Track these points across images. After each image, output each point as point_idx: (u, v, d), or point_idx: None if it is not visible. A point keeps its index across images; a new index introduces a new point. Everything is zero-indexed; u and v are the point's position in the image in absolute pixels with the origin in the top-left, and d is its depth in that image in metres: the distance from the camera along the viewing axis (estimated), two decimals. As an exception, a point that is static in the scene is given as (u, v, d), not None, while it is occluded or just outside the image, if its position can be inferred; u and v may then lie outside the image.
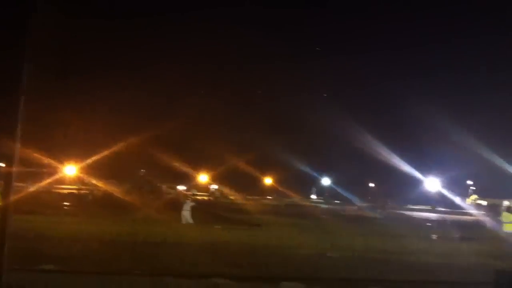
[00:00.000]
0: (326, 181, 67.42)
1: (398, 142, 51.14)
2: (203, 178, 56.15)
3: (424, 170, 50.60)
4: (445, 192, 52.20)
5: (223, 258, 14.41)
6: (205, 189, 61.91)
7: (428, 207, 52.53)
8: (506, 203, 41.73)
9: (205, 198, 55.12)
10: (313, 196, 70.04)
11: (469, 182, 58.41)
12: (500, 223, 24.30)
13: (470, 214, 45.37)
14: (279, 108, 51.32)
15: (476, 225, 33.88)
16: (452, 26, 75.83)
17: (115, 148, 40.70)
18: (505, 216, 23.99)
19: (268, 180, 65.92)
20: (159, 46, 57.93)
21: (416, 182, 51.76)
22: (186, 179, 53.83)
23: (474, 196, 56.28)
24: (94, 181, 42.35)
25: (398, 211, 45.80)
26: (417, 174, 49.87)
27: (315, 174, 64.11)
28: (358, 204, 54.76)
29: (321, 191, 71.13)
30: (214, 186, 62.88)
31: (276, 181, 64.72)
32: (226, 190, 56.90)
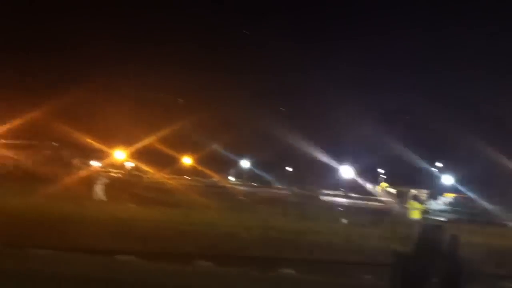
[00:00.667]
0: (245, 163, 67.93)
1: (316, 131, 52.47)
2: (119, 155, 54.34)
3: (339, 158, 52.41)
4: (358, 179, 54.38)
5: (134, 235, 14.15)
6: (120, 166, 60.30)
7: (341, 193, 54.44)
8: (413, 191, 44.21)
9: (121, 175, 53.82)
10: (232, 178, 70.57)
11: (380, 170, 61.11)
12: (406, 209, 25.60)
13: (380, 201, 47.65)
14: (197, 88, 50.59)
15: (385, 211, 35.56)
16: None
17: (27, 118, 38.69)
18: (411, 203, 25.36)
19: (187, 160, 65.29)
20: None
21: (331, 169, 53.60)
22: (100, 155, 51.96)
23: (384, 184, 59.04)
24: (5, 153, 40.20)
25: (312, 195, 47.00)
26: (332, 161, 51.65)
27: (234, 156, 64.39)
28: (275, 187, 55.80)
29: (240, 173, 71.65)
30: (130, 164, 61.41)
31: (196, 161, 64.34)
32: (142, 168, 55.79)
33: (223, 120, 54.14)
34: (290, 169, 68.76)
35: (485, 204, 43.35)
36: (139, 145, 48.88)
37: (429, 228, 8.81)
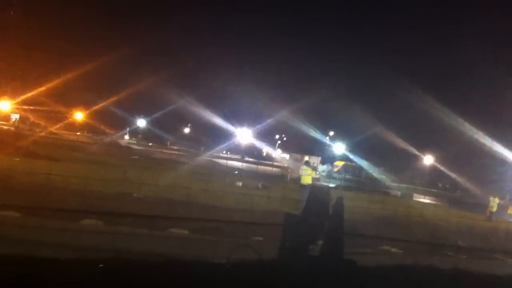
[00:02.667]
0: (141, 122, 66.33)
1: (216, 95, 52.46)
2: (3, 106, 50.47)
3: (238, 122, 52.89)
4: (256, 144, 55.34)
5: (16, 190, 13.29)
6: (4, 118, 56.28)
7: (238, 157, 55.15)
8: (305, 158, 45.92)
9: (5, 127, 50.29)
10: (127, 137, 68.66)
11: (277, 136, 62.82)
12: (299, 175, 26.45)
13: (275, 165, 49.02)
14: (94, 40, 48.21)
15: (279, 176, 36.63)
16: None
17: None
18: (304, 169, 26.25)
19: (79, 116, 62.45)
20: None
21: (229, 133, 53.95)
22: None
23: (279, 150, 60.82)
24: None
25: (209, 158, 47.23)
26: (230, 125, 51.96)
27: (130, 114, 62.66)
28: (171, 148, 55.16)
29: (136, 132, 69.95)
30: (16, 116, 57.48)
31: (89, 118, 61.74)
32: (31, 121, 52.51)
33: (118, 77, 52.29)
34: (187, 131, 68.37)
35: (372, 172, 46.23)
36: (28, 96, 45.79)
37: (317, 191, 9.10)
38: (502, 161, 46.47)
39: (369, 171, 46.64)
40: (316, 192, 9.10)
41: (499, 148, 46.23)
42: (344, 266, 7.94)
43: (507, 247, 17.92)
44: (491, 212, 30.80)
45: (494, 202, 31.48)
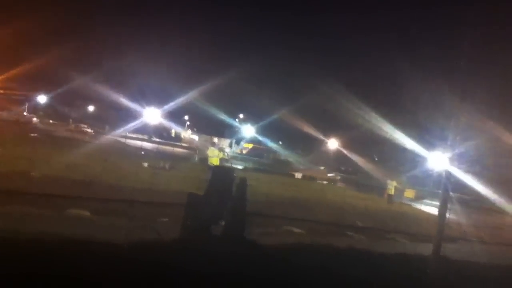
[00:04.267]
0: (42, 98, 62.66)
1: (122, 75, 50.72)
2: None
3: (145, 102, 51.48)
4: (164, 125, 54.26)
5: None
6: None
7: (145, 137, 53.91)
8: (214, 139, 46.02)
9: None
10: (25, 113, 64.67)
11: (186, 117, 62.09)
12: (207, 156, 26.36)
13: (183, 146, 48.57)
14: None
15: (186, 157, 36.33)
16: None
17: None
18: (211, 151, 26.22)
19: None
20: None
21: (136, 113, 52.37)
22: None
23: (188, 131, 60.18)
24: None
25: (114, 138, 45.74)
26: (137, 105, 50.48)
27: (30, 90, 59.03)
28: (75, 126, 52.77)
29: (37, 108, 66.03)
30: None
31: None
32: None
33: (17, 51, 49.05)
34: (92, 109, 65.71)
35: (280, 155, 47.20)
36: None
37: (220, 172, 9.13)
38: (401, 147, 49.24)
39: (278, 153, 47.59)
40: (219, 172, 9.11)
41: (398, 134, 48.87)
42: (245, 245, 8.07)
43: (401, 228, 19.06)
44: (390, 195, 32.50)
45: (392, 185, 33.25)
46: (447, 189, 9.58)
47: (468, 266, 9.54)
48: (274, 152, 47.69)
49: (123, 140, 46.04)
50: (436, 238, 8.11)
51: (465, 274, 8.50)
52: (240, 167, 36.14)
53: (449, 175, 11.28)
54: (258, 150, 43.14)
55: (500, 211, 39.32)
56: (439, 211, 9.06)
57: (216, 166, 16.21)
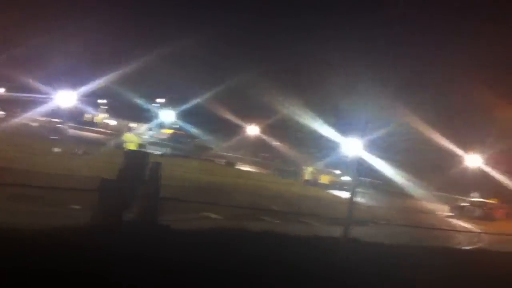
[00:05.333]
0: None
1: (30, 55, 47.83)
2: None
3: (58, 85, 49.00)
4: (77, 108, 52.05)
5: None
6: None
7: (56, 121, 51.43)
8: (131, 124, 44.95)
9: None
10: None
11: (101, 101, 59.67)
12: (123, 141, 25.71)
13: (98, 131, 46.98)
14: None
15: (101, 142, 35.22)
16: None
17: None
18: (127, 136, 25.65)
19: None
20: None
21: (47, 96, 49.75)
22: None
23: (103, 115, 58.08)
24: None
25: (24, 122, 43.34)
26: (48, 88, 47.96)
27: None
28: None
29: None
30: None
31: None
32: None
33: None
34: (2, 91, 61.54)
35: (202, 141, 47.00)
36: None
37: (132, 156, 8.90)
38: (318, 133, 50.69)
39: (199, 139, 47.35)
40: (131, 157, 8.86)
41: (315, 121, 50.29)
42: (158, 230, 7.94)
43: (315, 212, 19.63)
44: (306, 180, 33.44)
45: (308, 171, 34.23)
46: (359, 173, 9.96)
47: (375, 246, 10.00)
48: (195, 137, 47.36)
49: (33, 124, 43.81)
50: (346, 220, 8.41)
51: (372, 254, 8.91)
52: (159, 152, 35.57)
53: (361, 160, 11.76)
54: (178, 136, 42.52)
55: (409, 195, 41.74)
56: (349, 195, 9.40)
57: (129, 150, 15.77)
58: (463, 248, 16.17)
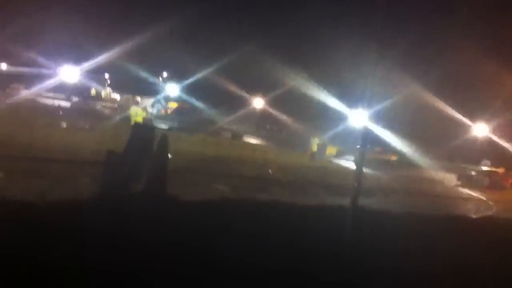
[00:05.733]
0: None
1: (33, 29, 47.45)
2: None
3: (62, 59, 48.83)
4: (84, 83, 51.97)
5: None
6: None
7: (63, 96, 51.41)
8: (137, 98, 44.87)
9: None
10: None
11: (106, 75, 59.29)
12: (129, 115, 25.71)
13: (104, 106, 46.87)
14: None
15: (108, 116, 35.25)
16: None
17: None
18: (133, 110, 25.60)
19: None
20: None
21: (52, 71, 49.64)
22: None
23: (109, 90, 57.62)
24: None
25: (30, 97, 43.34)
26: (52, 62, 47.80)
27: None
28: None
29: None
30: None
31: None
32: None
33: None
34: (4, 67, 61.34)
35: (207, 114, 46.90)
36: None
37: (139, 129, 8.88)
38: (324, 105, 50.48)
39: (204, 112, 47.23)
40: (138, 130, 8.86)
41: (321, 93, 50.01)
42: (166, 202, 7.96)
43: (323, 182, 19.66)
44: (312, 152, 33.33)
45: (315, 143, 34.10)
46: (365, 144, 9.93)
47: (382, 214, 10.04)
48: (200, 111, 47.20)
49: (40, 99, 43.85)
50: (354, 190, 8.41)
51: (379, 222, 8.94)
52: (164, 126, 35.56)
53: (367, 130, 11.69)
54: (183, 109, 42.44)
55: (416, 165, 41.67)
56: (356, 165, 9.39)
57: (136, 124, 15.81)
58: (471, 216, 16.20)
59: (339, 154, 39.44)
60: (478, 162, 39.03)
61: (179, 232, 6.50)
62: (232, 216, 8.13)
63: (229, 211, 8.57)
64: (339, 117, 49.78)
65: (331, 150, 41.68)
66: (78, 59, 47.27)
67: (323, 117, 49.57)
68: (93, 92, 53.24)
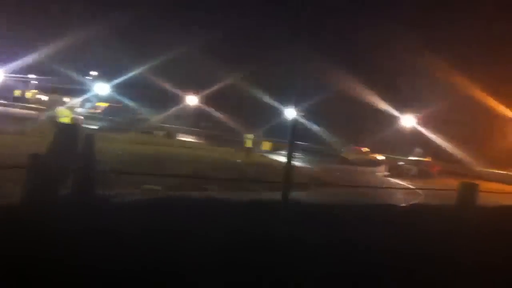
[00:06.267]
0: None
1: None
2: None
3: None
4: (7, 84, 49.66)
5: None
6: None
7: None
8: (64, 99, 43.25)
9: None
10: None
11: (32, 76, 56.93)
12: (56, 116, 24.78)
13: (29, 107, 44.91)
14: None
15: (33, 118, 33.81)
16: None
17: None
18: (61, 111, 24.71)
19: None
20: None
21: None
22: None
23: (35, 91, 55.36)
24: None
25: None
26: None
27: None
28: None
29: None
30: None
31: None
32: None
33: None
34: None
35: (139, 113, 46.05)
36: None
37: (64, 129, 8.56)
38: (259, 102, 50.95)
39: (137, 112, 46.39)
40: (62, 130, 8.53)
41: (256, 90, 50.53)
42: (94, 203, 7.71)
43: (258, 178, 19.79)
44: (247, 148, 33.52)
45: (249, 138, 34.30)
46: (293, 137, 10.08)
47: (316, 207, 10.19)
48: (132, 110, 46.25)
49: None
50: (284, 183, 8.50)
51: (313, 214, 9.08)
52: (94, 126, 34.62)
53: (296, 124, 11.95)
54: (114, 109, 41.38)
55: (342, 157, 42.90)
56: (287, 158, 9.50)
57: (60, 124, 15.24)
58: (400, 205, 16.81)
59: (274, 149, 39.92)
60: (407, 153, 40.68)
61: (107, 234, 6.30)
62: (164, 215, 7.98)
63: (162, 210, 8.41)
64: (273, 113, 50.42)
65: (266, 146, 42.16)
66: (1, 61, 45.02)
67: (257, 113, 49.99)
68: (17, 93, 50.87)
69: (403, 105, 48.09)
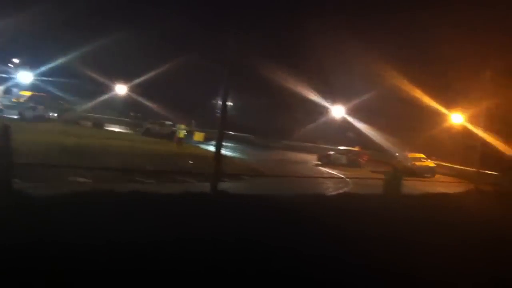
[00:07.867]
0: None
1: None
2: None
3: None
4: None
5: None
6: None
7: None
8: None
9: None
10: None
11: None
12: None
13: None
14: None
15: None
16: None
17: None
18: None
19: None
20: None
21: None
22: None
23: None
24: None
25: None
26: None
27: None
28: None
29: None
30: None
31: None
32: None
33: None
34: None
35: (67, 103, 44.30)
36: None
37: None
38: (191, 91, 50.39)
39: (64, 101, 44.61)
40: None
41: (188, 77, 49.86)
42: (12, 197, 7.26)
43: (189, 169, 19.58)
44: (179, 138, 33.06)
45: (181, 129, 33.85)
46: (223, 127, 9.98)
47: (244, 198, 10.17)
48: (58, 99, 44.29)
49: None
50: (214, 174, 8.39)
51: (241, 205, 9.04)
52: (16, 116, 33.00)
53: (224, 113, 11.88)
54: (38, 98, 39.36)
55: (279, 147, 43.40)
56: (215, 148, 9.39)
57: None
58: (330, 193, 17.17)
59: (206, 140, 39.64)
60: (337, 143, 41.63)
61: (30, 231, 5.93)
62: (91, 209, 7.64)
63: (88, 204, 8.05)
64: (205, 104, 50.11)
65: (198, 136, 41.83)
66: None
67: (190, 103, 49.43)
68: None
69: (333, 96, 49.17)
